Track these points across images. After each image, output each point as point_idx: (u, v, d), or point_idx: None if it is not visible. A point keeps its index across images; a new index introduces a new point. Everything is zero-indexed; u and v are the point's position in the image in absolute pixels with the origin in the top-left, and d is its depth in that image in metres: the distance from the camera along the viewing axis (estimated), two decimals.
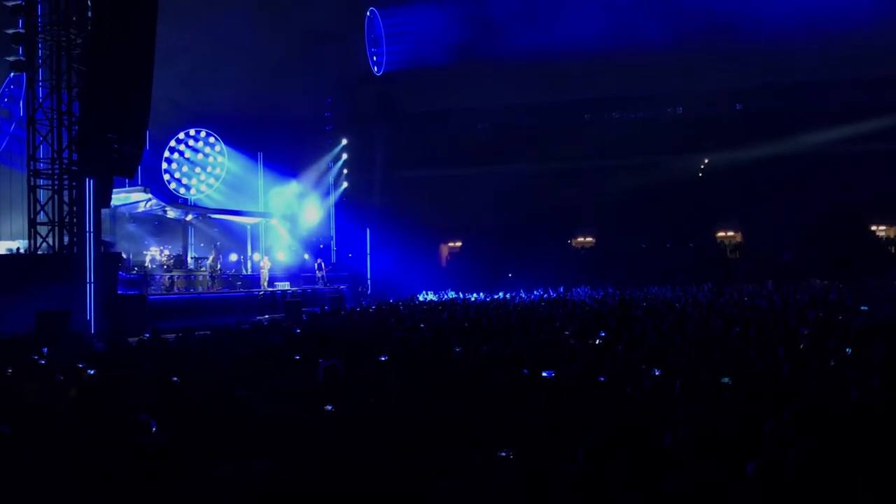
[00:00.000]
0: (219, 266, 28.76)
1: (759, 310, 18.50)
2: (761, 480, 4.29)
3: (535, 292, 33.99)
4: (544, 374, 7.92)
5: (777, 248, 42.43)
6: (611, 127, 49.16)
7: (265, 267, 30.79)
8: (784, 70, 43.87)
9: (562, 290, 34.58)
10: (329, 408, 6.99)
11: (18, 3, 20.38)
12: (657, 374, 8.20)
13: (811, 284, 32.08)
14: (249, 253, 34.05)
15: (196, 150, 32.77)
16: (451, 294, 33.65)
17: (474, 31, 43.20)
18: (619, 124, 49.76)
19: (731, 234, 46.28)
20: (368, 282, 39.95)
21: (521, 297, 30.62)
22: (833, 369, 8.25)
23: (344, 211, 41.30)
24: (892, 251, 41.70)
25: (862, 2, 36.78)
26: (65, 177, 20.61)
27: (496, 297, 31.50)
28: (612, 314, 17.75)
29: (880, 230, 43.64)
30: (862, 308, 18.45)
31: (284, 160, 36.20)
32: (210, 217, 31.97)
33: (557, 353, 10.74)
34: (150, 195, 27.20)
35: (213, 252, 28.60)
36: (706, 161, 48.19)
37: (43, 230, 20.55)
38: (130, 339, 15.49)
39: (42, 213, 20.64)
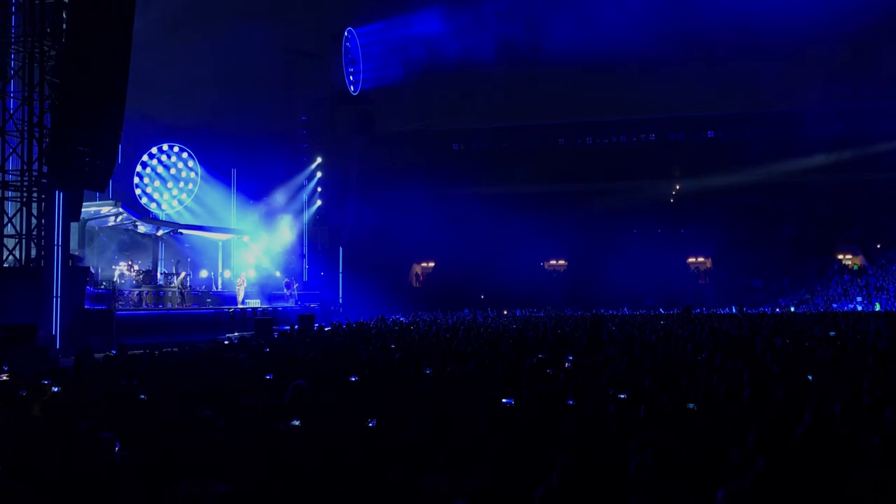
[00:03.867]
0: (188, 284, 28.53)
1: (727, 335, 18.68)
2: None
3: (505, 313, 34.07)
4: (504, 401, 7.94)
5: (746, 275, 42.95)
6: (584, 152, 49.71)
7: (241, 285, 30.61)
8: (756, 99, 44.68)
9: (535, 310, 34.69)
10: (296, 422, 6.97)
11: None
12: (623, 397, 8.24)
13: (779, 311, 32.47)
14: (220, 270, 33.81)
15: (168, 166, 32.59)
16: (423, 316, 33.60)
17: (450, 54, 43.53)
18: (593, 149, 50.35)
19: (701, 259, 46.81)
20: (340, 300, 39.82)
21: (492, 318, 30.67)
22: (796, 395, 8.36)
23: (317, 229, 41.20)
24: (858, 280, 42.38)
25: (832, 35, 37.54)
26: (34, 189, 20.37)
27: (467, 317, 31.50)
28: (584, 336, 17.82)
29: (846, 259, 44.39)
30: (830, 334, 18.74)
31: (258, 177, 36.11)
32: (181, 233, 31.73)
33: (528, 375, 10.77)
34: (120, 209, 26.96)
35: (179, 275, 28.28)
36: (678, 187, 48.83)
37: (10, 242, 20.28)
38: (97, 355, 15.29)
39: (10, 225, 20.37)
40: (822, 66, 39.46)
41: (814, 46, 38.08)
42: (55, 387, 9.97)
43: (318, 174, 41.29)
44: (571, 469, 4.81)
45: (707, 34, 41.31)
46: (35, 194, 20.42)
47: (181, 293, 27.53)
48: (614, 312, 33.96)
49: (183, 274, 28.28)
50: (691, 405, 7.50)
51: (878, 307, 37.48)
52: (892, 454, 5.42)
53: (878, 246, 44.03)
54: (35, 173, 20.37)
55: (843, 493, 4.96)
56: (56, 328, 19.68)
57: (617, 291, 41.39)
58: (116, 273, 26.42)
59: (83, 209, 22.59)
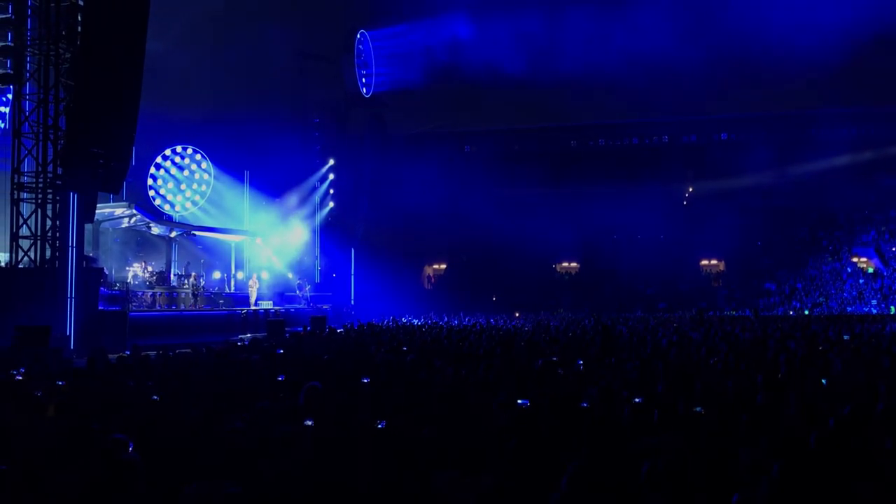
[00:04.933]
0: (202, 284, 28.63)
1: (740, 339, 18.58)
2: None
3: (517, 315, 34.03)
4: (519, 402, 7.92)
5: (760, 278, 42.73)
6: (596, 153, 49.59)
7: (254, 286, 30.67)
8: (769, 101, 44.39)
9: (547, 313, 34.63)
10: (308, 422, 6.97)
11: (8, 16, 20.41)
12: (638, 401, 8.21)
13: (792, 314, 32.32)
14: (233, 271, 33.92)
15: (182, 167, 32.74)
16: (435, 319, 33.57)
17: (462, 56, 43.50)
18: (605, 151, 50.22)
19: (714, 262, 46.57)
20: (352, 302, 39.87)
21: (504, 321, 30.62)
22: (810, 399, 8.29)
23: (329, 231, 41.25)
24: (873, 283, 42.07)
25: (848, 35, 37.19)
26: (49, 191, 20.49)
27: (479, 321, 31.45)
28: (595, 339, 17.75)
29: (861, 261, 44.08)
30: (844, 337, 18.63)
31: (271, 179, 36.20)
32: (194, 234, 31.86)
33: (539, 379, 10.74)
34: (134, 211, 27.09)
35: (191, 276, 28.38)
36: (690, 189, 48.64)
37: (25, 244, 20.40)
38: (110, 356, 15.35)
39: (24, 226, 20.49)
40: (837, 66, 39.09)
41: (829, 46, 37.70)
42: (69, 387, 10.02)
43: (331, 176, 41.38)
44: (580, 474, 4.79)
45: (722, 36, 41.04)
46: (50, 196, 20.55)
47: (193, 294, 27.62)
48: (628, 315, 33.82)
49: (194, 275, 28.40)
50: (699, 408, 7.46)
51: (892, 310, 37.20)
52: None
53: (894, 249, 43.72)
54: (50, 175, 20.50)
55: (856, 499, 4.91)
56: (70, 329, 19.78)
57: (629, 294, 41.26)
58: (130, 274, 26.57)
59: (97, 210, 22.71)
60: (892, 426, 6.57)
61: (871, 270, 43.19)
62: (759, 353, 14.22)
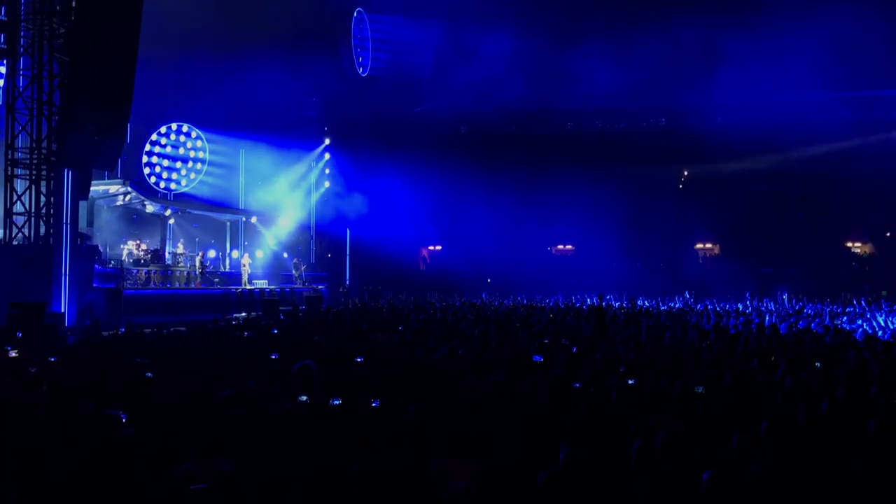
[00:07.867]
0: (206, 263, 28.65)
1: (734, 322, 18.64)
2: (716, 490, 4.32)
3: (513, 298, 34.08)
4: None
5: (755, 262, 42.76)
6: (593, 136, 49.38)
7: (245, 265, 30.60)
8: (767, 85, 44.13)
9: (541, 296, 34.68)
10: (303, 398, 6.98)
11: None
12: (632, 383, 8.23)
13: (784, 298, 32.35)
14: (228, 250, 33.86)
15: (177, 145, 32.59)
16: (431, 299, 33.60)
17: (459, 37, 43.17)
18: (602, 134, 49.98)
19: (709, 245, 46.60)
20: (347, 282, 39.85)
21: (499, 302, 30.67)
22: (804, 382, 8.33)
23: (325, 210, 41.15)
24: (867, 268, 42.19)
25: (850, 20, 36.92)
26: (43, 167, 20.36)
27: (475, 301, 31.49)
28: (588, 322, 17.80)
29: (856, 247, 44.16)
30: (836, 322, 18.71)
31: (267, 158, 36.05)
32: (189, 212, 31.77)
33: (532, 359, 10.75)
34: (129, 188, 26.99)
35: (199, 255, 28.39)
36: (686, 173, 48.58)
37: (19, 220, 20.30)
38: (105, 333, 15.35)
39: (19, 203, 20.39)
40: (835, 48, 38.73)
41: (827, 29, 37.36)
42: (63, 364, 10.01)
43: (327, 156, 41.24)
44: (576, 455, 4.80)
45: (718, 20, 40.70)
46: (44, 172, 20.41)
47: (201, 272, 27.65)
48: (624, 299, 33.83)
49: (201, 253, 28.46)
50: (699, 388, 7.48)
51: (884, 294, 37.26)
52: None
53: (888, 234, 43.80)
54: (44, 151, 20.35)
55: (848, 481, 4.94)
56: (65, 306, 19.75)
57: (625, 277, 41.27)
58: (125, 252, 26.52)
59: (92, 188, 22.63)
60: (884, 408, 6.60)
61: (866, 255, 43.30)
62: (755, 337, 14.26)
